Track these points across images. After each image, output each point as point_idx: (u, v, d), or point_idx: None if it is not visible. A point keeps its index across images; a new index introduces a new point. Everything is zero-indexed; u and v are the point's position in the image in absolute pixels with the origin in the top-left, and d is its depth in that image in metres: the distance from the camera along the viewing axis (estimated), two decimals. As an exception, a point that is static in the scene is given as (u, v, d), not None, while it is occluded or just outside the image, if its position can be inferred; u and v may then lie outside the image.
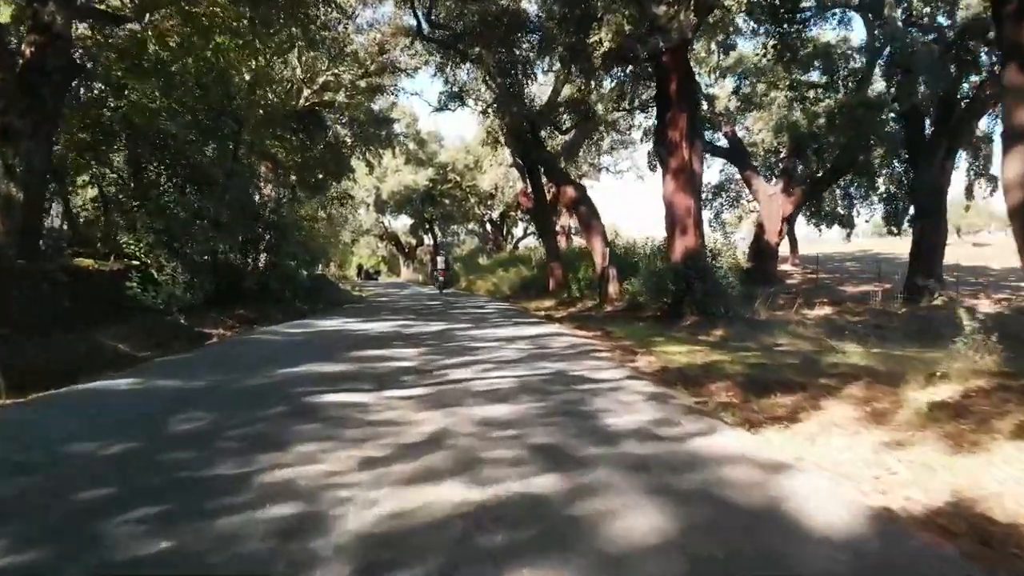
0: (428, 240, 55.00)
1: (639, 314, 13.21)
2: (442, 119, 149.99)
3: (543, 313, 15.55)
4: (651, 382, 5.50)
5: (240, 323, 11.38)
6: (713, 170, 34.06)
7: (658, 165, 13.27)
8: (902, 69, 17.19)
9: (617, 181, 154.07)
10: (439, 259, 29.97)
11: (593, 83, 17.39)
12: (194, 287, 10.50)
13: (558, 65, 17.04)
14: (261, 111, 15.29)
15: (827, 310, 16.76)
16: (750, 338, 10.24)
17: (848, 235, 29.64)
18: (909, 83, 17.30)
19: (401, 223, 56.93)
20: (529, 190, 29.35)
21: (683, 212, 11.78)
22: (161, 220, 10.04)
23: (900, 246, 41.81)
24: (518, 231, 54.57)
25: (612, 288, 14.87)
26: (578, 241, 34.50)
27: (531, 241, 55.33)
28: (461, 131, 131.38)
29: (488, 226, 45.42)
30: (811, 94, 19.77)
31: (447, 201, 43.79)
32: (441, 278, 27.92)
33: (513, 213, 44.70)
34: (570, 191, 15.68)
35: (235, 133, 13.41)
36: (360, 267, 55.95)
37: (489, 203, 41.26)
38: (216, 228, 11.37)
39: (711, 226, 33.01)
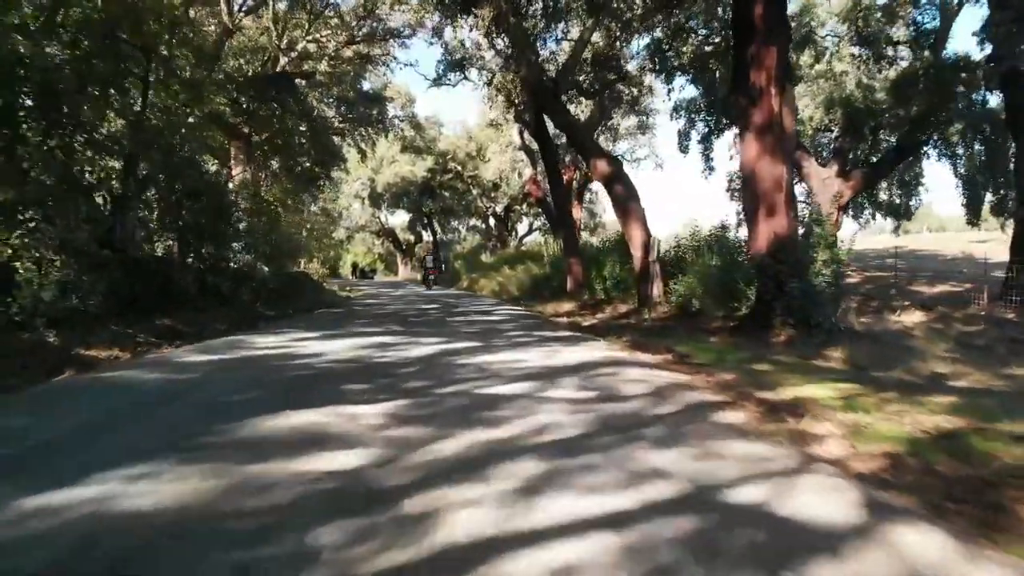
0: (428, 237, 51.73)
1: (699, 324, 9.98)
2: (441, 103, 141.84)
3: (566, 320, 12.34)
4: (929, 522, 2.27)
5: (163, 338, 8.14)
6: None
7: (724, 135, 10.04)
8: (1009, 19, 13.86)
9: (632, 171, 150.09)
10: (428, 258, 32.41)
11: (625, 36, 14.12)
12: (79, 288, 7.25)
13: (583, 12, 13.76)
14: (189, 55, 11.84)
15: (919, 316, 13.51)
16: (889, 363, 7.00)
17: (896, 228, 26.31)
18: (1012, 38, 14.00)
19: (399, 219, 53.75)
20: (539, 177, 26.19)
21: (770, 185, 8.50)
22: (13, 189, 6.75)
23: (928, 242, 38.62)
24: (522, 227, 51.50)
25: (656, 289, 11.61)
26: (583, 236, 31.18)
27: (537, 237, 52.19)
28: (462, 115, 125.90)
29: (491, 221, 42.13)
30: (890, 52, 16.44)
31: (447, 194, 40.51)
32: (431, 276, 30.14)
33: (518, 207, 41.45)
34: (603, 164, 12.36)
35: (144, 71, 9.76)
36: (355, 265, 52.74)
37: (493, 195, 37.96)
38: (122, 203, 8.10)
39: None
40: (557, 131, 18.96)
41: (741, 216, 11.94)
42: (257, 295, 12.22)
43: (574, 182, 25.97)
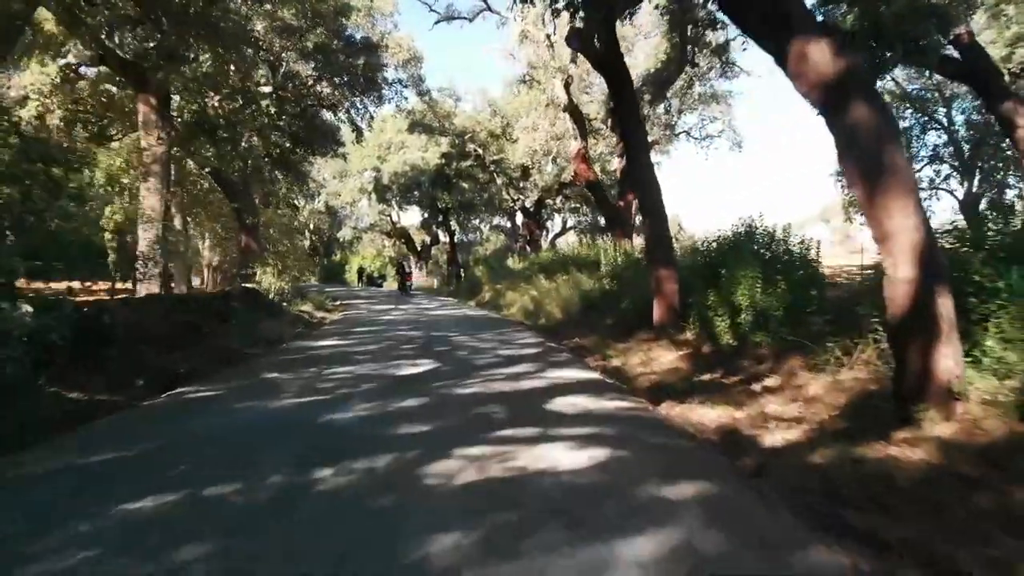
0: (445, 237, 45.23)
1: None
2: (456, 66, 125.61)
3: (696, 417, 5.72)
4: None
5: None
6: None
7: None
8: None
9: (692, 154, 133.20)
10: (404, 263, 35.53)
11: None
12: None
13: None
14: None
15: None
16: None
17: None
18: None
19: (412, 218, 47.41)
20: (587, 151, 19.43)
21: None
22: None
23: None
24: (553, 225, 44.65)
25: (949, 353, 4.69)
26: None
27: (570, 239, 45.34)
28: (483, 81, 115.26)
29: (519, 216, 35.46)
30: None
31: (465, 185, 33.91)
32: (408, 283, 31.43)
33: (550, 200, 34.68)
34: (823, 53, 5.42)
35: None
36: (361, 271, 46.51)
37: (522, 185, 31.22)
38: None
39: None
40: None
41: None
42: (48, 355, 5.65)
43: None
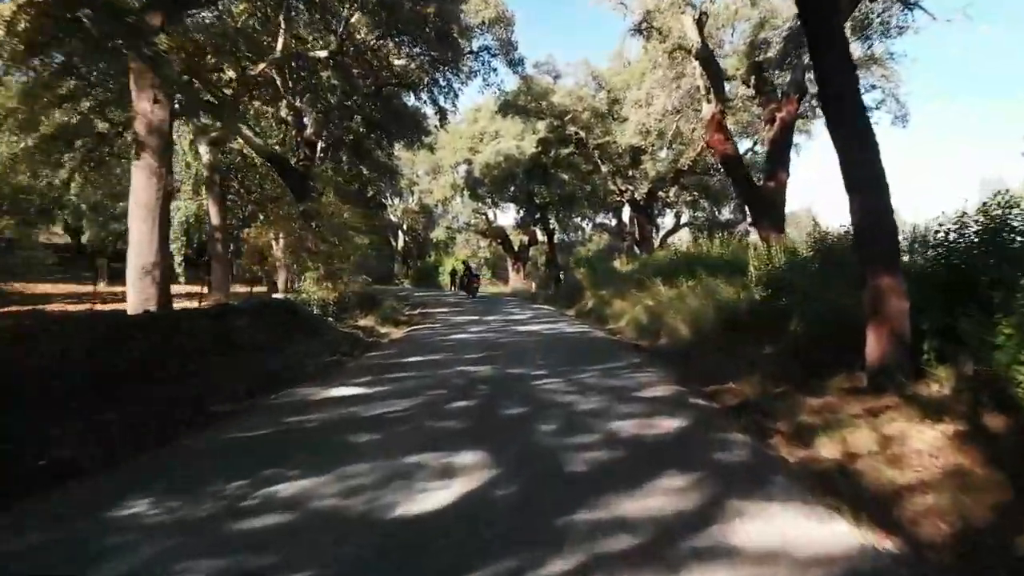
0: (543, 236, 41.76)
1: None
2: (556, 41, 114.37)
3: None
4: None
5: None
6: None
7: None
8: None
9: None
10: (472, 264, 36.28)
11: None
12: None
13: None
14: None
15: None
16: None
17: None
18: None
19: (510, 218, 44.33)
20: (723, 115, 15.15)
21: None
22: None
23: None
24: (664, 222, 39.93)
25: None
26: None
27: (684, 236, 40.52)
28: (586, 51, 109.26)
29: (625, 212, 31.38)
30: None
31: (565, 176, 30.18)
32: (475, 285, 30.76)
33: (663, 192, 30.32)
34: None
35: None
36: (454, 273, 43.79)
37: (631, 174, 27.10)
38: None
39: None
40: None
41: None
42: None
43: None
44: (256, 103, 18.61)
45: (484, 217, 44.75)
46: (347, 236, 24.74)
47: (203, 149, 13.77)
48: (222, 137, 14.42)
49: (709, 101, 14.37)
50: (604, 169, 26.88)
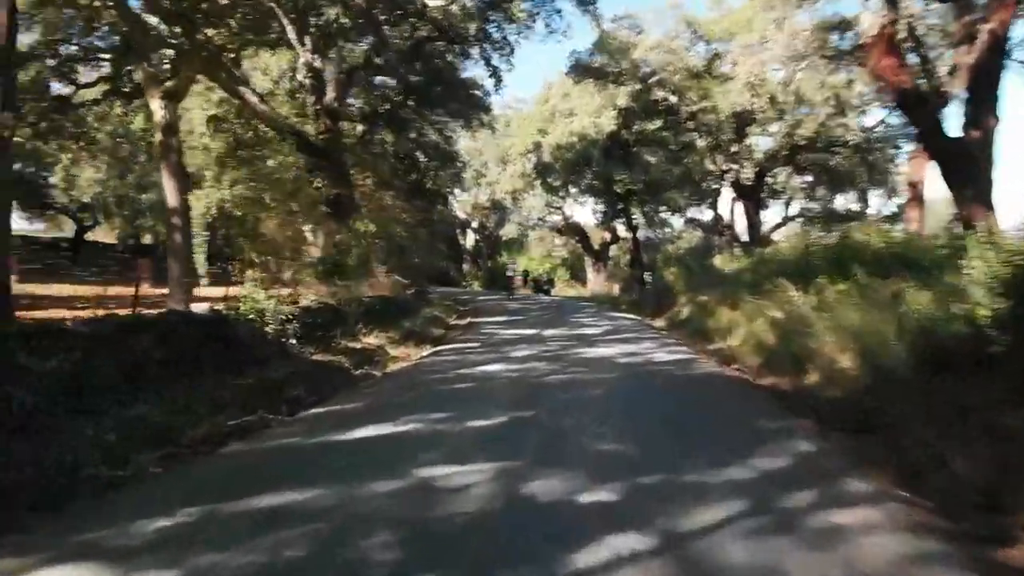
0: (626, 232, 37.00)
1: None
2: None
3: None
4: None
5: None
6: None
7: None
8: None
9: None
10: (511, 266, 36.49)
11: None
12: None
13: None
14: None
15: None
16: None
17: None
18: None
19: (586, 213, 40.01)
20: (895, 30, 10.20)
21: None
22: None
23: None
24: (766, 215, 34.27)
25: None
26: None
27: (786, 229, 34.71)
28: None
29: (722, 201, 26.34)
30: None
31: (652, 159, 25.51)
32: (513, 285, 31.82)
33: (771, 176, 25.09)
34: None
35: None
36: (525, 275, 39.86)
37: (733, 151, 22.13)
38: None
39: None
40: None
41: None
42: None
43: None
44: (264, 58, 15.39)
45: (560, 212, 40.45)
46: (388, 227, 21.23)
47: (155, 104, 10.36)
48: (180, 88, 11.03)
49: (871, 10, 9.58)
50: (700, 144, 22.00)
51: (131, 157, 25.53)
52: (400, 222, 21.10)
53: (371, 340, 10.42)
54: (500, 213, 47.32)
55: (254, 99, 15.20)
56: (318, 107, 16.70)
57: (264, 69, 19.09)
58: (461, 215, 48.28)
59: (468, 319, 18.13)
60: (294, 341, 8.02)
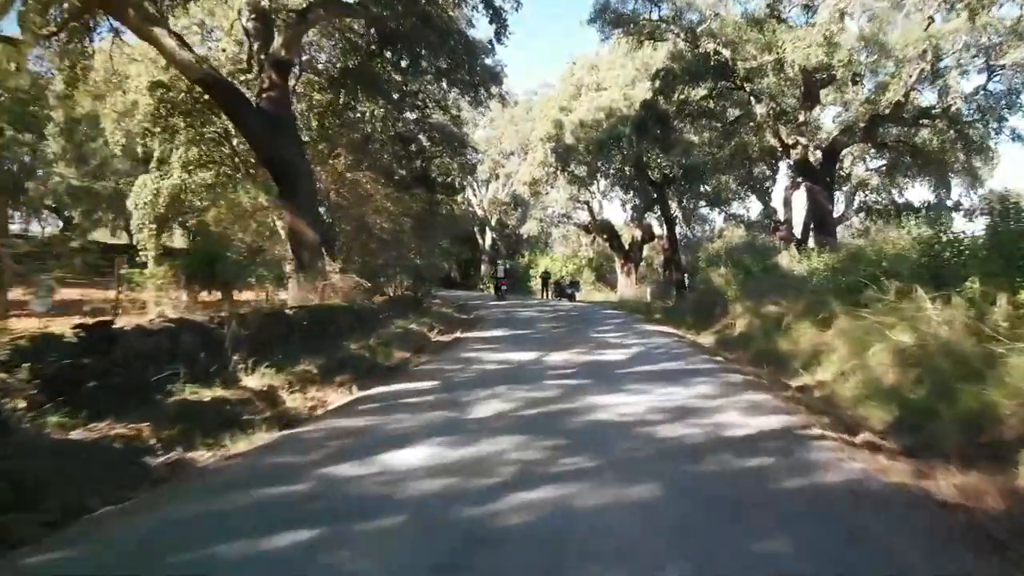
0: (661, 229, 32.74)
1: None
2: None
3: None
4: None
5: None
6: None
7: None
8: None
9: None
10: (500, 268, 35.30)
11: None
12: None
13: None
14: None
15: None
16: None
17: None
18: None
19: (615, 211, 35.75)
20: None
21: None
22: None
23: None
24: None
25: None
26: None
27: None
28: None
29: (777, 191, 21.98)
30: None
31: (695, 136, 21.31)
32: (504, 287, 30.78)
33: (841, 160, 20.78)
34: None
35: None
36: (546, 277, 35.82)
37: (800, 122, 17.75)
38: None
39: None
40: None
41: None
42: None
43: None
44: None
45: (586, 206, 36.36)
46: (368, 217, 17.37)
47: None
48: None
49: None
50: (759, 111, 17.66)
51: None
52: (383, 212, 17.33)
53: (254, 382, 6.54)
54: (522, 209, 43.35)
55: (171, 43, 11.58)
56: (261, 56, 13.04)
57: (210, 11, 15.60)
58: (479, 212, 44.51)
59: (458, 333, 14.22)
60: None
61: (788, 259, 15.26)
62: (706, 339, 13.82)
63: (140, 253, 17.58)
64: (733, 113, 19.72)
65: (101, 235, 33.96)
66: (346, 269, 12.40)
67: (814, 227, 19.59)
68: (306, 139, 14.96)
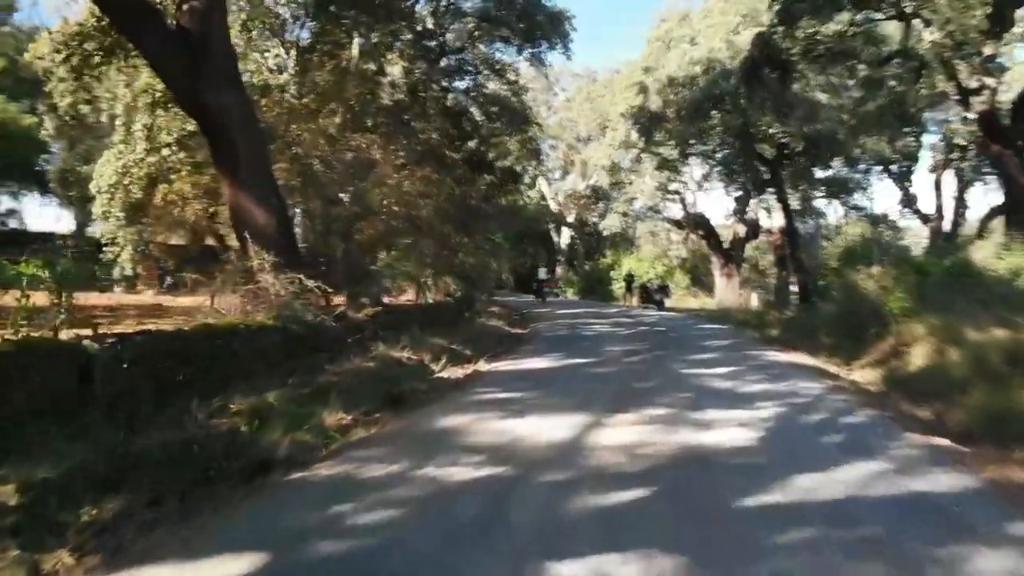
0: (771, 221, 27.38)
1: None
2: None
3: None
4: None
5: None
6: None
7: None
8: None
9: None
10: (542, 270, 34.25)
11: None
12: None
13: None
14: None
15: None
16: None
17: None
18: None
19: (713, 203, 30.85)
20: None
21: None
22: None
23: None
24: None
25: None
26: None
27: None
28: None
29: (922, 172, 16.65)
30: None
31: (823, 97, 16.36)
32: (545, 289, 30.22)
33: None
34: None
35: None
36: (630, 280, 31.17)
37: (988, 56, 12.55)
38: None
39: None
40: None
41: None
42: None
43: None
44: None
45: (678, 197, 31.40)
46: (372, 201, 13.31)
47: None
48: None
49: None
50: (927, 38, 12.40)
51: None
52: (403, 195, 13.47)
53: None
54: (604, 203, 38.62)
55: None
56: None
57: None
58: (553, 207, 40.31)
59: (480, 363, 10.00)
60: None
61: (986, 254, 10.26)
62: (863, 375, 9.13)
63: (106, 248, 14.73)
64: (876, 53, 14.47)
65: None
66: (313, 274, 8.48)
67: (1007, 209, 14.18)
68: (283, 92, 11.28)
